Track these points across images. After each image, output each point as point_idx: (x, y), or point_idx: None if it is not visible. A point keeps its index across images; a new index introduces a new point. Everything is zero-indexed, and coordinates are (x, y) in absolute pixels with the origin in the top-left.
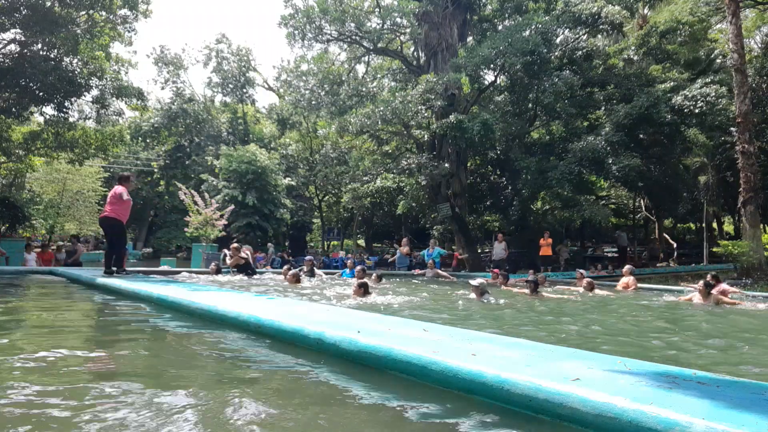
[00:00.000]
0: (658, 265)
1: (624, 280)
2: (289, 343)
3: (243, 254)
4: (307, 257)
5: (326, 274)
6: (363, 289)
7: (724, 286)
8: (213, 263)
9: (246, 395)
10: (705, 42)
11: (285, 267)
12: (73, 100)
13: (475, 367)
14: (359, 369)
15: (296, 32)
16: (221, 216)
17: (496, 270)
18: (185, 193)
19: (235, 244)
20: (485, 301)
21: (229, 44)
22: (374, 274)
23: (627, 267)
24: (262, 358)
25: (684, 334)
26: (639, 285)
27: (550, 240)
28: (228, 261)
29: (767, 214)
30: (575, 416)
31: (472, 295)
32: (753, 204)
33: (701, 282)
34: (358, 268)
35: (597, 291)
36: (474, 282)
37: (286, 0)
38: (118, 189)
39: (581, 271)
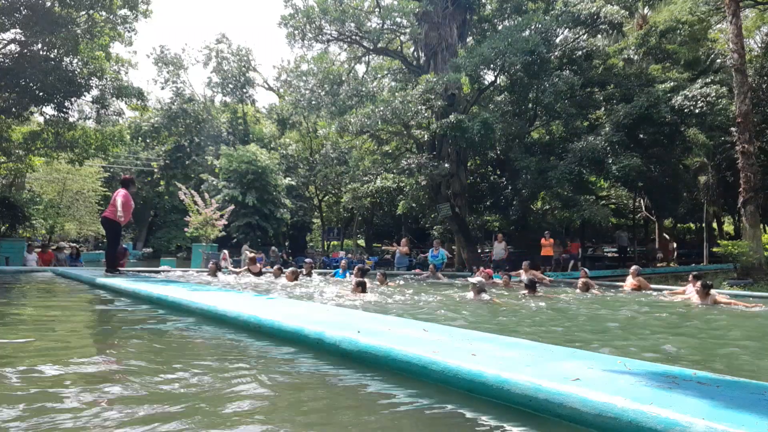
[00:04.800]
0: (658, 265)
1: (631, 280)
2: (290, 343)
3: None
4: (307, 260)
5: (322, 275)
6: (361, 288)
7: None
8: (211, 262)
9: (245, 395)
10: (705, 42)
11: (275, 267)
12: (73, 100)
13: (475, 367)
14: (359, 368)
15: (296, 32)
16: (221, 216)
17: (489, 271)
18: (185, 193)
19: (252, 255)
20: (483, 299)
21: (229, 44)
22: (379, 274)
23: (634, 267)
24: (262, 359)
25: (683, 334)
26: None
27: (551, 240)
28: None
29: (767, 214)
30: (575, 416)
31: (470, 294)
32: (753, 204)
33: (699, 283)
34: (356, 267)
35: (594, 291)
36: (472, 280)
37: (286, 0)
38: (118, 194)
39: (584, 269)
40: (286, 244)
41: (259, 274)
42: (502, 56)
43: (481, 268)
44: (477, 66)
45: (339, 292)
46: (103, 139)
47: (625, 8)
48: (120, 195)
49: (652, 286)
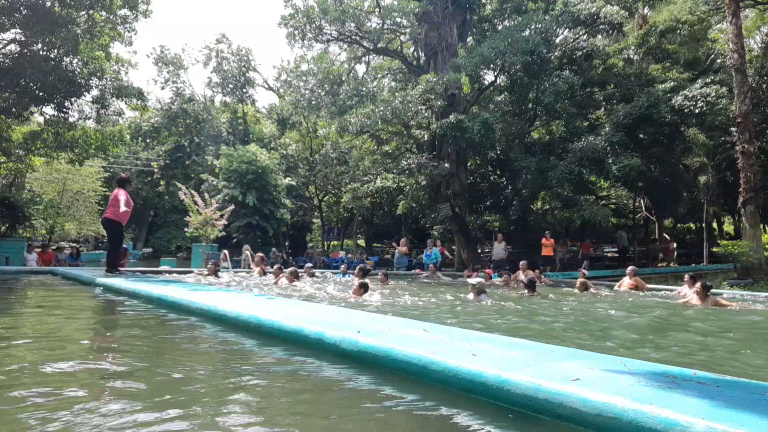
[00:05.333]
0: (659, 265)
1: (629, 280)
2: (290, 343)
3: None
4: (308, 264)
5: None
6: (363, 290)
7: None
8: (211, 262)
9: (245, 395)
10: (705, 42)
11: (276, 267)
12: (73, 100)
13: (475, 367)
14: (359, 368)
15: (296, 32)
16: (221, 216)
17: (488, 271)
18: (185, 193)
19: (261, 254)
20: (482, 301)
21: (229, 44)
22: (381, 273)
23: (630, 268)
24: (262, 359)
25: (683, 334)
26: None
27: (552, 240)
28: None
29: (767, 214)
30: (575, 416)
31: (470, 295)
32: (753, 204)
33: (698, 284)
34: (357, 268)
35: (592, 291)
36: (472, 281)
37: (286, 0)
38: (118, 194)
39: (583, 270)
40: (286, 244)
41: (262, 274)
42: (502, 56)
43: (473, 268)
44: (477, 66)
45: (340, 293)
46: (103, 139)
47: (625, 8)
48: (121, 193)
49: (650, 286)
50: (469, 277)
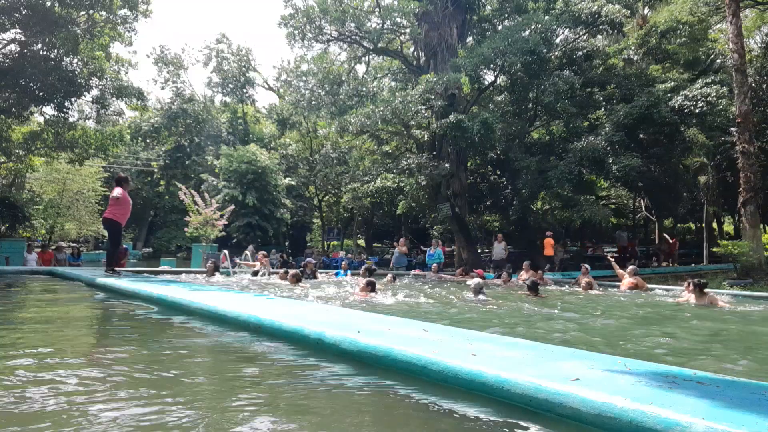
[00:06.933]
0: (663, 264)
1: (629, 280)
2: (290, 342)
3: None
4: (308, 259)
5: (326, 274)
6: (370, 288)
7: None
8: (210, 261)
9: (244, 395)
10: (705, 42)
11: (282, 270)
12: (73, 100)
13: (475, 367)
14: (359, 368)
15: (296, 32)
16: (221, 216)
17: (479, 271)
18: (185, 193)
19: (263, 257)
20: (481, 300)
21: (229, 44)
22: (389, 275)
23: (631, 267)
24: (262, 359)
25: (682, 334)
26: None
27: (551, 241)
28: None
29: (767, 214)
30: (575, 416)
31: (470, 295)
32: (753, 204)
33: (694, 281)
34: (363, 268)
35: (595, 291)
36: (470, 282)
37: (286, 0)
38: (116, 191)
39: (586, 266)
40: (287, 244)
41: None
42: (502, 56)
43: (463, 268)
44: (477, 66)
45: (344, 293)
46: (103, 139)
47: (627, 7)
48: (120, 191)
49: (650, 285)
50: (460, 276)
